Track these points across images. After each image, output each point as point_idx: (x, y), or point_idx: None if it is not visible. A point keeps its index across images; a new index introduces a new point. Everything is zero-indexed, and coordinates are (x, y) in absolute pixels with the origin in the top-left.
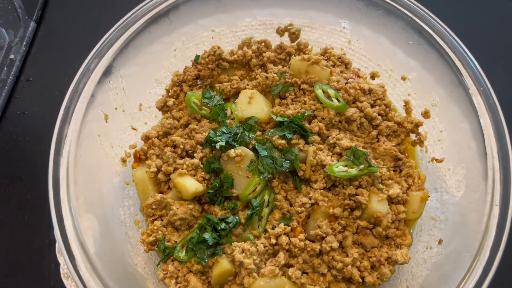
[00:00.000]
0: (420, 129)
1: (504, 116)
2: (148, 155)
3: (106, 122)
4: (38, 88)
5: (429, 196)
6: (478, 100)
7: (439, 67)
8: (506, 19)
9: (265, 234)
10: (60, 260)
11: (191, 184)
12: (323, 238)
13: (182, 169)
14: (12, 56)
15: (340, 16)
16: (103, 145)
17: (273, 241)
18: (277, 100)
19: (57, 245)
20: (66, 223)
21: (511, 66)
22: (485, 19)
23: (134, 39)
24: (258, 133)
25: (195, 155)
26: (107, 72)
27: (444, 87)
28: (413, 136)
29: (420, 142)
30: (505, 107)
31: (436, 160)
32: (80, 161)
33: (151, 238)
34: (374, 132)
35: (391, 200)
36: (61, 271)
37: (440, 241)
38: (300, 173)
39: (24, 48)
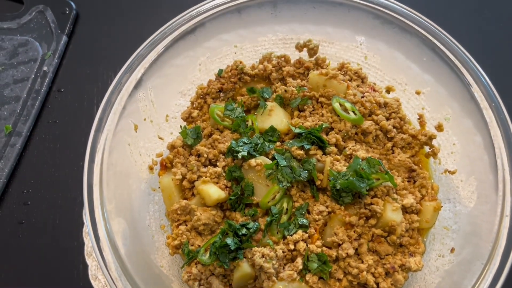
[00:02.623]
0: (434, 142)
1: None
2: (173, 163)
3: (136, 132)
4: (69, 99)
5: (442, 206)
6: (489, 114)
7: (452, 82)
8: None
9: (283, 240)
10: (89, 261)
11: (214, 191)
12: (339, 245)
13: (206, 177)
14: (45, 68)
15: (356, 32)
16: (132, 153)
17: (292, 247)
18: (296, 113)
19: (85, 247)
20: (99, 225)
21: None
22: (498, 35)
23: (162, 53)
24: (278, 143)
25: (218, 164)
26: (137, 85)
27: (457, 101)
28: (426, 148)
29: (434, 154)
30: None
31: (449, 171)
32: (111, 168)
33: (175, 242)
34: (389, 144)
35: (405, 210)
36: (89, 272)
37: (452, 250)
38: (318, 182)
39: (56, 61)
